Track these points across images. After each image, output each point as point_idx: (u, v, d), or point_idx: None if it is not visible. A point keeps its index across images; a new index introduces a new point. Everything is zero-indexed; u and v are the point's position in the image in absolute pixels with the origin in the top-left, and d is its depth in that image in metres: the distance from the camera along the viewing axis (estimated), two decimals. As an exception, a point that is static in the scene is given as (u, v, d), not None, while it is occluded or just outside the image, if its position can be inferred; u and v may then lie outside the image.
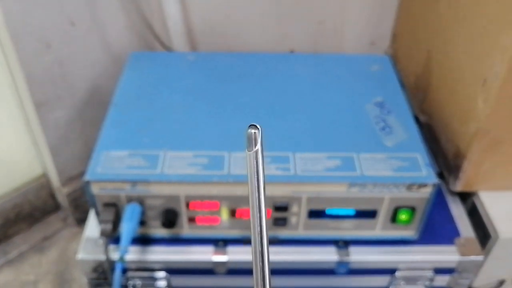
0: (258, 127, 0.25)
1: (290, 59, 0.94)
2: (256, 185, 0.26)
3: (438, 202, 0.79)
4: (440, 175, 0.84)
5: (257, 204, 0.26)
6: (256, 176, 0.25)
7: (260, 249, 0.26)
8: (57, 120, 1.01)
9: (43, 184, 1.14)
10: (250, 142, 0.25)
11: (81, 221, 1.17)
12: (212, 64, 0.90)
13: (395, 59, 1.05)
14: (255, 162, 0.25)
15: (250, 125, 0.25)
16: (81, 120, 1.06)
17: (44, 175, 1.14)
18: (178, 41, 1.05)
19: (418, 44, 0.97)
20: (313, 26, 1.14)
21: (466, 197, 0.83)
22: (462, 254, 0.74)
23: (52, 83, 0.96)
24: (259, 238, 0.26)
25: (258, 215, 0.26)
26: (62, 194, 1.12)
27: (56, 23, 0.91)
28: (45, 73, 0.94)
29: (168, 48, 1.06)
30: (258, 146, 0.25)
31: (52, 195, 1.17)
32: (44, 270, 1.08)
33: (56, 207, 1.19)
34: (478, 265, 0.75)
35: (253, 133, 0.25)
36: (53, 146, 1.04)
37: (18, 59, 0.90)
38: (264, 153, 0.76)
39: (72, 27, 0.94)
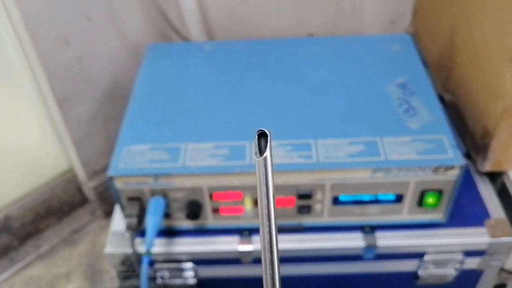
0: (267, 132, 0.24)
1: (308, 43, 0.92)
2: (265, 193, 0.25)
3: (466, 183, 0.77)
4: (467, 155, 0.82)
5: (267, 212, 0.25)
6: (265, 184, 0.25)
7: (270, 256, 0.26)
8: (79, 115, 1.02)
9: (70, 179, 1.16)
10: (259, 148, 0.24)
11: (109, 213, 1.19)
12: (230, 53, 0.89)
13: (416, 37, 1.02)
14: (264, 169, 0.24)
15: (259, 131, 0.24)
16: (103, 114, 1.06)
17: (71, 170, 1.16)
18: (195, 30, 1.04)
19: (440, 21, 0.93)
20: (331, 8, 1.11)
21: (495, 177, 0.81)
22: (493, 235, 0.72)
23: (72, 79, 0.97)
24: (269, 247, 0.26)
25: (267, 223, 0.25)
26: (88, 187, 1.14)
27: (73, 19, 0.91)
28: (65, 69, 0.95)
29: (185, 38, 1.05)
30: (267, 153, 0.24)
31: (79, 189, 1.19)
32: (75, 263, 1.11)
33: (83, 200, 1.21)
34: (510, 246, 0.73)
35: (261, 140, 0.24)
36: (77, 141, 1.05)
37: (38, 57, 0.90)
38: (286, 141, 0.75)
39: (89, 22, 0.94)
